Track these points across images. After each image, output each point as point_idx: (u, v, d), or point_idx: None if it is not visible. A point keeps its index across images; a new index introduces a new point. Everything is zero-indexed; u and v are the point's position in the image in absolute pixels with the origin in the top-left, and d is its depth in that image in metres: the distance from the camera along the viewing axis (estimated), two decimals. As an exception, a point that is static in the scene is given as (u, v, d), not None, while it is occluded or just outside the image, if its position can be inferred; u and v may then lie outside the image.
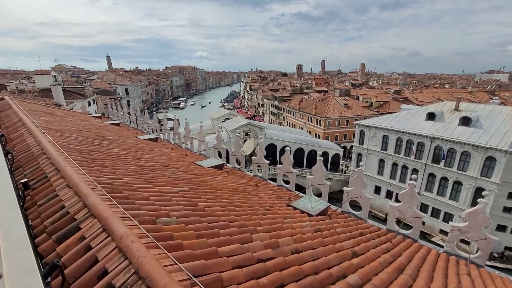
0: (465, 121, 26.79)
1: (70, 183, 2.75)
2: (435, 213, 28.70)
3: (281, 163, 8.44)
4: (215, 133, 34.96)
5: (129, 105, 68.25)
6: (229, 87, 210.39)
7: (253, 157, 9.45)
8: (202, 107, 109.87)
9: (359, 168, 6.01)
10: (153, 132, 16.05)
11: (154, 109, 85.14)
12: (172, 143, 11.89)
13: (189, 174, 5.38)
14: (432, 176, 28.36)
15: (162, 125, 16.08)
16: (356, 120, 49.41)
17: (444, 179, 27.31)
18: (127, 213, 2.24)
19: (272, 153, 35.42)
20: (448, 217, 27.52)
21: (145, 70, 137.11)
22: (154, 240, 1.88)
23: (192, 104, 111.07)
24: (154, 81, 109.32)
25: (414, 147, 29.40)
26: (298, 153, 37.65)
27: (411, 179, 6.53)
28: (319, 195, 7.03)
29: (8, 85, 33.78)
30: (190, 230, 2.39)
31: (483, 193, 6.69)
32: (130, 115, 18.22)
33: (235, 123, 34.88)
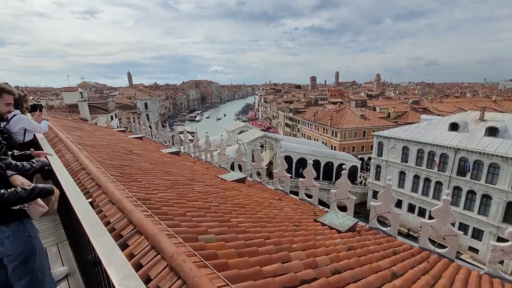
0: (492, 131, 25.53)
1: (113, 199, 2.85)
2: (463, 228, 26.95)
3: (298, 175, 8.39)
4: (231, 145, 35.40)
5: (148, 119, 70.67)
6: (244, 100, 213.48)
7: (274, 171, 9.40)
8: (218, 119, 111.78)
9: (387, 182, 5.83)
10: (173, 145, 16.48)
11: (171, 122, 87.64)
12: (193, 156, 12.10)
13: (215, 188, 5.43)
14: (458, 189, 26.93)
15: (181, 139, 16.49)
16: (374, 131, 48.46)
17: (471, 192, 25.85)
18: (171, 230, 2.28)
19: (288, 165, 35.12)
20: (477, 233, 25.82)
21: (163, 85, 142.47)
22: (202, 259, 1.89)
23: (207, 117, 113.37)
24: (171, 96, 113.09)
25: (437, 159, 28.23)
26: (314, 165, 36.85)
27: (446, 194, 6.11)
28: (341, 208, 6.84)
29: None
30: (230, 248, 2.39)
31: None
32: (151, 128, 18.80)
33: (250, 135, 35.12)
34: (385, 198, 5.99)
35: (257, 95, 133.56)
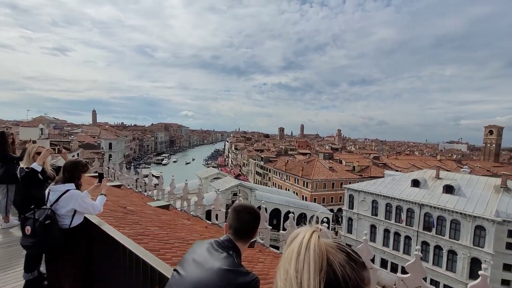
0: (449, 189, 28.16)
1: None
2: (434, 284, 27.30)
3: (272, 226, 8.24)
4: (203, 192, 33.70)
5: (109, 159, 65.74)
6: (213, 146, 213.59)
7: None
8: (187, 163, 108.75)
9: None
10: (136, 188, 15.33)
11: (136, 164, 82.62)
12: (179, 209, 11.05)
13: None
14: (425, 244, 28.01)
15: (145, 183, 15.64)
16: (341, 183, 50.55)
17: (438, 247, 27.01)
18: None
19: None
20: (448, 290, 26.20)
21: (130, 125, 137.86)
22: None
23: (174, 161, 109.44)
24: (138, 137, 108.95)
25: (403, 214, 29.70)
26: (288, 216, 36.53)
27: (416, 250, 6.45)
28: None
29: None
30: None
31: (482, 266, 6.67)
32: (114, 170, 17.41)
33: (225, 184, 34.10)
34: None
35: (227, 141, 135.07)
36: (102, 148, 58.29)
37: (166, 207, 9.16)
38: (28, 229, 2.60)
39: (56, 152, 4.37)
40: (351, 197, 35.17)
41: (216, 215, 15.18)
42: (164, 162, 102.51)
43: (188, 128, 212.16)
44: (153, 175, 21.00)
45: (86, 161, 3.20)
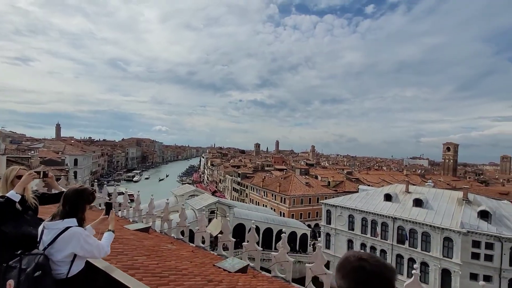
0: (418, 203, 29.75)
1: None
2: (409, 298, 27.99)
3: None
4: (177, 211, 32.18)
5: (75, 177, 60.99)
6: (188, 161, 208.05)
7: (244, 244, 8.66)
8: (160, 180, 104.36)
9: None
10: (100, 206, 14.34)
11: (103, 181, 77.36)
12: (159, 231, 10.30)
13: None
14: (400, 257, 28.92)
15: (110, 200, 14.66)
16: (318, 198, 51.37)
17: (412, 260, 27.98)
18: None
19: (241, 233, 33.10)
20: (422, 303, 26.93)
21: (99, 140, 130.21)
22: None
23: (146, 178, 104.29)
24: (108, 152, 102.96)
25: (378, 228, 30.65)
26: (267, 233, 35.93)
27: (414, 268, 6.55)
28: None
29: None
30: None
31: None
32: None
33: (203, 201, 32.95)
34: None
35: (203, 157, 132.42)
36: (67, 165, 53.96)
37: (145, 229, 8.51)
38: (10, 283, 1.94)
39: (41, 176, 3.07)
40: (328, 212, 35.69)
41: (182, 231, 14.53)
42: (135, 179, 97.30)
43: (162, 144, 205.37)
44: (123, 193, 19.60)
45: (92, 189, 2.72)
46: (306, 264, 7.00)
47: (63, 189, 2.90)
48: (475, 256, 24.96)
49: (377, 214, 30.65)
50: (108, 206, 2.80)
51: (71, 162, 59.65)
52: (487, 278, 24.80)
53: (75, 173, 60.38)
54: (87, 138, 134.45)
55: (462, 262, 24.59)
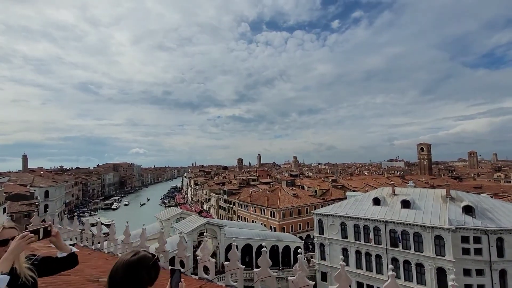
0: (406, 204, 30.38)
1: None
2: (408, 301, 27.88)
3: (245, 265, 7.89)
4: (166, 236, 30.32)
5: (45, 210, 56.22)
6: (169, 183, 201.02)
7: (225, 263, 8.55)
8: (142, 204, 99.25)
9: (341, 262, 5.51)
10: (82, 241, 13.27)
11: (79, 212, 72.02)
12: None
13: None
14: (395, 261, 28.96)
15: (93, 233, 13.75)
16: (307, 209, 51.09)
17: (407, 262, 28.11)
18: None
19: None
20: (421, 305, 26.88)
21: (72, 168, 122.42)
22: None
23: (126, 204, 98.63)
24: (82, 181, 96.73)
25: (371, 233, 30.73)
26: (260, 250, 34.73)
27: (389, 269, 6.90)
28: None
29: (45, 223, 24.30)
30: None
31: (451, 277, 7.17)
32: (44, 222, 14.70)
33: (191, 224, 31.36)
34: (341, 279, 5.97)
35: (185, 177, 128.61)
36: (37, 198, 49.58)
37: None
38: None
39: (41, 236, 1.85)
40: (320, 222, 35.35)
41: (181, 261, 13.59)
42: (114, 206, 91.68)
43: (140, 167, 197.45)
44: (102, 224, 17.92)
45: (155, 256, 1.63)
46: (289, 277, 7.06)
47: (74, 249, 2.14)
48: (466, 251, 25.62)
49: (369, 219, 30.80)
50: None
51: (41, 195, 54.96)
52: (479, 272, 25.43)
53: (46, 206, 55.66)
54: (58, 167, 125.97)
55: (454, 259, 25.05)
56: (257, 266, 7.79)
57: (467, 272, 25.46)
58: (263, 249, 8.19)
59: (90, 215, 68.64)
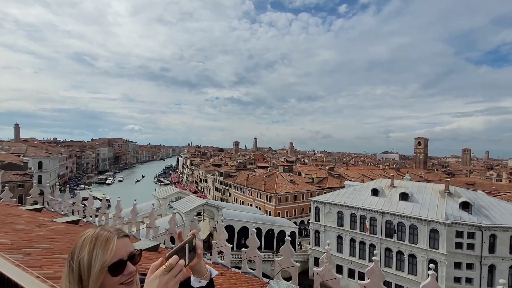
0: (404, 196, 30.59)
1: None
2: (398, 289, 28.76)
3: (241, 246, 8.15)
4: (161, 215, 30.19)
5: (39, 182, 55.57)
6: (164, 161, 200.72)
7: (213, 241, 8.67)
8: (137, 181, 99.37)
9: (326, 247, 5.15)
10: (73, 214, 13.02)
11: (73, 185, 71.57)
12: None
13: None
14: (388, 250, 29.55)
15: (85, 205, 13.52)
16: (303, 195, 51.50)
17: (400, 253, 28.71)
18: None
19: (230, 235, 31.89)
20: (410, 293, 27.76)
21: (66, 141, 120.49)
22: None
23: (120, 180, 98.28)
24: (76, 154, 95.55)
25: (367, 222, 31.11)
26: (256, 233, 35.06)
27: (375, 254, 7.48)
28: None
29: None
30: None
31: (430, 265, 7.43)
32: (43, 194, 14.29)
33: (189, 204, 31.19)
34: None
35: (181, 156, 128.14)
36: (30, 169, 48.76)
37: (75, 222, 7.24)
38: None
39: (187, 260, 1.12)
40: (317, 209, 35.62)
41: (172, 238, 13.50)
42: (108, 181, 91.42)
43: (136, 143, 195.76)
44: (94, 198, 17.56)
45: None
46: (275, 258, 7.91)
47: (213, 272, 1.38)
48: (459, 245, 26.16)
49: (366, 209, 31.07)
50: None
51: (35, 166, 54.07)
52: (469, 266, 26.13)
53: (40, 177, 54.94)
54: (52, 138, 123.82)
55: (447, 252, 25.60)
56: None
57: (457, 265, 26.13)
58: (251, 229, 8.63)
59: (84, 189, 68.37)
